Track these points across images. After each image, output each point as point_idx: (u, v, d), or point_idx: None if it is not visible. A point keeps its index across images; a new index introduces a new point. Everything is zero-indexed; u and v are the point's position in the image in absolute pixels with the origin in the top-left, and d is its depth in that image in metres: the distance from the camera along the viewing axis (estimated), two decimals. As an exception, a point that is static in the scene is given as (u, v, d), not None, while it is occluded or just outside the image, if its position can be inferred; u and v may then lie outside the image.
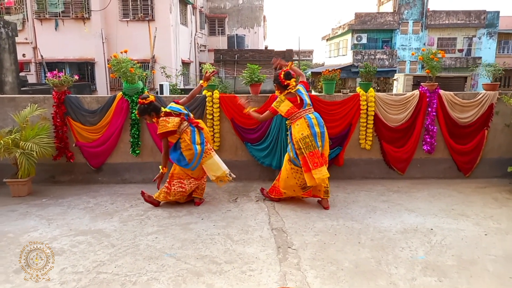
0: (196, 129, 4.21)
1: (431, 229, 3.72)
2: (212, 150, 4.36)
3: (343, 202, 4.51)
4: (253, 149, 5.30)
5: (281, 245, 3.39)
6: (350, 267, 3.01)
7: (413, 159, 5.33)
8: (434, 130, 5.19)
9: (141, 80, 5.17)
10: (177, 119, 4.12)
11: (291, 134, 4.21)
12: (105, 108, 5.10)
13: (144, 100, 4.12)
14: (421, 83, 5.33)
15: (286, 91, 4.24)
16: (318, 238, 3.53)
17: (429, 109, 5.16)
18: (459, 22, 30.47)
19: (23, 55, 19.06)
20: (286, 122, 4.38)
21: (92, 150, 5.17)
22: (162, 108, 4.23)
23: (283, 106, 4.19)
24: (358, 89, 5.27)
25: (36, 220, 4.04)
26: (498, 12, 30.57)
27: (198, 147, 4.14)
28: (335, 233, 3.63)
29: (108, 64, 4.82)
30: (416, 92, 5.23)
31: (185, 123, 4.17)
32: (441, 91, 5.19)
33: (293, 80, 4.21)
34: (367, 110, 5.17)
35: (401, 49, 30.82)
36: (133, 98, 5.05)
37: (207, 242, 3.45)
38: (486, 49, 30.59)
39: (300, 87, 4.25)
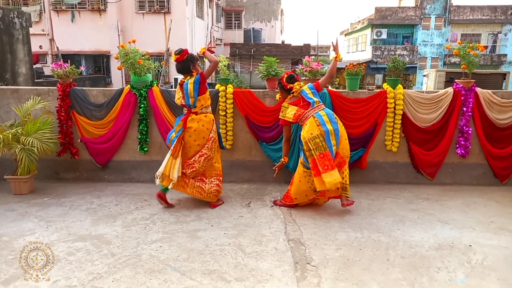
0: None
1: (470, 245, 3.28)
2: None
3: (367, 210, 4.10)
4: (268, 149, 4.92)
5: (299, 260, 3.01)
6: (378, 290, 2.62)
7: (444, 163, 4.86)
8: (469, 132, 4.71)
9: (150, 73, 4.84)
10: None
11: (300, 135, 3.96)
12: (112, 102, 4.78)
13: (179, 56, 3.88)
14: (455, 80, 4.84)
15: (290, 96, 4.06)
16: (340, 253, 3.14)
17: (464, 109, 4.68)
18: (484, 17, 29.32)
19: (40, 46, 19.09)
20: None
21: (98, 146, 4.87)
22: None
23: (289, 112, 3.99)
24: (385, 86, 4.82)
25: (35, 221, 3.75)
26: (526, 7, 29.28)
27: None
28: (360, 247, 3.23)
29: (115, 55, 4.46)
30: (450, 89, 4.75)
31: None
32: (478, 89, 4.70)
33: (296, 83, 4.00)
34: (394, 109, 4.72)
35: (423, 45, 29.88)
36: (142, 91, 4.72)
37: (216, 253, 3.10)
38: (512, 46, 29.38)
39: (306, 87, 4.00)
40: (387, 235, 3.46)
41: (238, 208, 4.12)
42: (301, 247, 3.24)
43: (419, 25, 29.67)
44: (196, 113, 3.94)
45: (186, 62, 3.90)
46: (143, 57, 4.59)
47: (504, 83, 7.50)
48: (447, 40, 29.81)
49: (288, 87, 4.02)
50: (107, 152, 4.90)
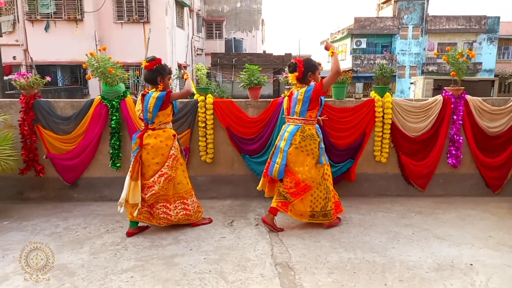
0: None
1: (471, 264, 3.04)
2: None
3: (359, 226, 3.82)
4: (252, 162, 4.62)
5: (288, 289, 2.70)
6: (378, 322, 2.32)
7: (435, 174, 4.65)
8: (460, 141, 4.52)
9: (124, 82, 4.49)
10: None
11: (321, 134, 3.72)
12: (80, 115, 4.40)
13: (148, 63, 3.51)
14: (444, 87, 4.67)
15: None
16: (333, 278, 2.84)
17: (455, 117, 4.50)
18: (459, 27, 30.11)
19: (14, 57, 18.40)
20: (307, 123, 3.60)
21: (65, 162, 4.46)
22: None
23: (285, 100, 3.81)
24: (372, 94, 4.60)
25: (-10, 250, 3.33)
26: (498, 18, 30.24)
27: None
28: (354, 271, 2.94)
29: (84, 64, 4.11)
30: (439, 97, 4.57)
31: None
32: (468, 97, 4.54)
33: (292, 76, 3.66)
34: (383, 118, 4.50)
35: (401, 54, 30.41)
36: (113, 102, 4.36)
37: (195, 284, 2.75)
38: (487, 55, 30.19)
39: (302, 90, 3.54)
40: (382, 255, 3.19)
41: (220, 228, 3.78)
42: (290, 272, 2.92)
43: (397, 35, 30.21)
44: (153, 129, 3.54)
45: (154, 73, 3.50)
46: (115, 66, 4.25)
47: (492, 90, 7.45)
48: (424, 49, 30.41)
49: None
50: (76, 169, 4.49)
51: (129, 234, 3.59)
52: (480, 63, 29.43)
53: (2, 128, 4.27)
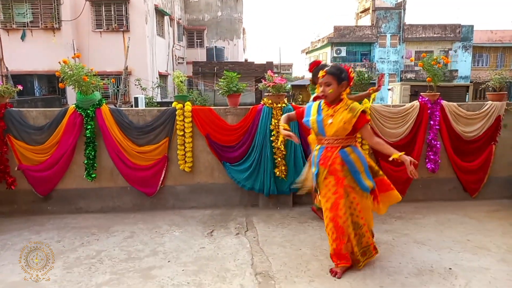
0: None
1: (450, 268, 3.05)
2: None
3: (340, 233, 3.80)
4: (232, 170, 4.56)
5: (268, 299, 2.64)
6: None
7: (414, 179, 4.68)
8: (438, 145, 4.58)
9: (103, 91, 4.39)
10: None
11: (361, 154, 3.09)
12: (54, 124, 4.26)
13: None
14: (421, 93, 4.74)
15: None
16: (314, 286, 2.80)
17: (431, 122, 4.56)
18: (435, 35, 30.98)
19: (-13, 67, 17.90)
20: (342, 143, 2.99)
21: (38, 174, 4.30)
22: None
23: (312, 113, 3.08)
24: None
25: (-44, 267, 3.15)
26: (472, 26, 31.26)
27: None
28: (335, 279, 2.90)
29: (56, 72, 3.99)
30: (416, 103, 4.63)
31: None
32: (444, 102, 4.61)
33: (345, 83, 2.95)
34: (362, 124, 4.52)
35: (380, 62, 31.05)
36: (88, 111, 4.24)
37: (172, 297, 2.67)
38: (462, 62, 31.14)
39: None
40: (363, 262, 3.16)
41: (199, 239, 3.69)
42: (271, 282, 2.87)
43: (376, 43, 30.85)
44: None
45: None
46: (89, 74, 4.14)
47: (467, 95, 7.64)
48: (402, 57, 31.13)
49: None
50: (49, 181, 4.33)
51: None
52: (456, 70, 30.29)
53: (-30, 139, 4.09)
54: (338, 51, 30.92)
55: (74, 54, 16.77)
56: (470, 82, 24.08)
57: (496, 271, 3.00)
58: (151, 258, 3.29)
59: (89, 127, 4.24)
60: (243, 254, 3.34)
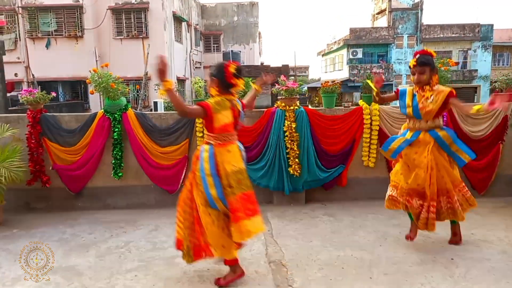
0: None
1: (452, 259, 3.25)
2: None
3: (350, 227, 4.04)
4: (248, 169, 4.74)
5: (281, 283, 2.91)
6: (362, 311, 2.53)
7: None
8: (445, 145, 4.75)
9: (125, 96, 4.76)
10: None
11: (214, 162, 2.79)
12: (84, 127, 4.65)
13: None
14: (429, 95, 4.92)
15: (226, 95, 2.86)
16: (323, 273, 3.05)
17: (439, 122, 4.74)
18: (453, 35, 30.54)
19: (15, 74, 18.73)
20: (205, 138, 2.95)
21: (71, 173, 4.70)
22: None
23: (224, 115, 2.78)
24: (360, 102, 4.86)
25: (2, 255, 3.54)
26: (492, 25, 30.70)
27: None
28: (343, 266, 3.15)
29: (87, 79, 4.38)
30: (424, 104, 4.82)
31: None
32: (451, 103, 4.78)
33: (242, 81, 2.88)
34: (371, 125, 4.76)
35: (397, 63, 30.80)
36: (115, 115, 4.62)
37: (194, 281, 2.97)
38: (482, 62, 30.57)
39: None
40: (369, 252, 3.40)
41: (218, 232, 3.99)
42: (283, 269, 3.14)
43: (393, 44, 30.65)
44: None
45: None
46: (117, 81, 4.52)
47: (475, 96, 7.72)
48: (420, 57, 30.81)
49: (232, 81, 2.80)
50: (80, 179, 4.73)
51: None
52: (476, 70, 29.81)
53: (10, 142, 4.51)
54: (355, 53, 30.87)
55: (97, 61, 17.39)
56: (491, 82, 23.66)
57: (496, 261, 3.18)
58: (174, 248, 3.60)
59: (116, 130, 4.61)
60: (258, 245, 3.62)
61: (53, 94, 4.79)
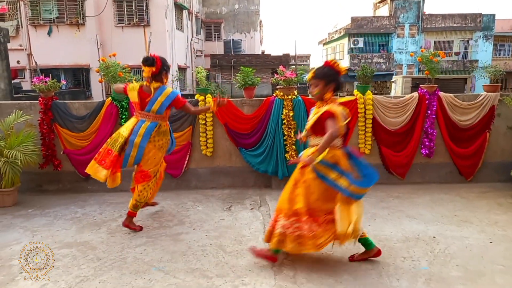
0: None
1: (434, 237, 3.54)
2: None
3: (342, 209, 4.33)
4: (248, 155, 5.13)
5: (277, 257, 3.20)
6: (349, 279, 2.83)
7: (413, 163, 5.16)
8: (434, 133, 5.02)
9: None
10: None
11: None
12: (93, 114, 4.92)
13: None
14: (420, 85, 5.18)
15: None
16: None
17: (429, 112, 5.01)
18: (455, 25, 30.49)
19: (18, 61, 18.90)
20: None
21: (80, 157, 4.97)
22: None
23: (131, 91, 3.62)
24: (355, 92, 5.11)
25: (20, 232, 3.84)
26: (493, 15, 30.64)
27: None
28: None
29: (96, 69, 4.62)
30: (415, 94, 5.08)
31: None
32: (441, 93, 5.04)
33: (149, 69, 3.49)
34: (365, 114, 5.02)
35: (398, 53, 30.82)
36: (123, 103, 4.88)
37: (198, 254, 3.27)
38: (483, 52, 30.60)
39: (166, 91, 3.58)
40: (359, 231, 3.69)
41: (219, 212, 4.29)
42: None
43: (394, 34, 30.63)
44: None
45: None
46: (124, 70, 4.76)
47: (465, 87, 7.97)
48: (421, 47, 30.83)
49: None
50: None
51: None
52: (476, 61, 29.83)
53: (24, 127, 4.78)
54: (356, 42, 30.89)
55: (98, 48, 17.46)
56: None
57: (474, 239, 3.48)
58: (179, 226, 3.91)
59: (123, 116, 4.87)
60: (256, 224, 3.92)
61: (63, 82, 5.02)
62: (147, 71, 3.51)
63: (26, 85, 17.69)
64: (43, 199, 4.88)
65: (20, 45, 18.88)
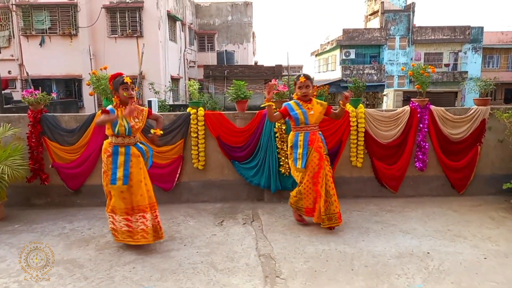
0: None
1: (428, 252, 3.52)
2: None
3: (335, 223, 4.29)
4: (241, 168, 5.08)
5: (269, 274, 3.15)
6: (343, 298, 2.78)
7: (405, 176, 5.15)
8: (426, 146, 5.03)
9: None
10: None
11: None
12: (83, 127, 4.85)
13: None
14: (412, 99, 5.20)
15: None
16: (308, 265, 3.30)
17: (421, 125, 5.02)
18: (444, 37, 31.04)
19: (9, 71, 18.75)
20: None
21: (69, 171, 4.89)
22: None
23: None
24: (347, 106, 5.10)
25: (6, 249, 3.74)
26: (482, 28, 31.26)
27: None
28: (327, 259, 3.40)
29: (87, 81, 4.57)
30: (407, 107, 5.09)
31: None
32: (432, 107, 5.07)
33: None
34: (357, 127, 5.01)
35: (389, 64, 31.20)
36: (114, 116, 4.81)
37: (188, 272, 3.19)
38: (472, 64, 31.12)
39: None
40: (352, 247, 3.65)
41: (211, 227, 4.23)
42: (271, 262, 3.38)
43: (385, 45, 31.06)
44: None
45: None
46: (115, 83, 4.70)
47: (456, 100, 8.06)
48: (411, 59, 31.26)
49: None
50: (79, 177, 4.92)
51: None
52: (466, 72, 30.33)
53: (12, 141, 4.70)
54: (347, 54, 31.23)
55: (91, 59, 17.44)
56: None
57: (468, 255, 3.46)
58: (170, 242, 3.83)
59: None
60: (249, 240, 3.86)
61: (54, 94, 4.96)
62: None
63: (17, 96, 17.52)
64: (31, 213, 4.77)
65: (12, 55, 18.75)
